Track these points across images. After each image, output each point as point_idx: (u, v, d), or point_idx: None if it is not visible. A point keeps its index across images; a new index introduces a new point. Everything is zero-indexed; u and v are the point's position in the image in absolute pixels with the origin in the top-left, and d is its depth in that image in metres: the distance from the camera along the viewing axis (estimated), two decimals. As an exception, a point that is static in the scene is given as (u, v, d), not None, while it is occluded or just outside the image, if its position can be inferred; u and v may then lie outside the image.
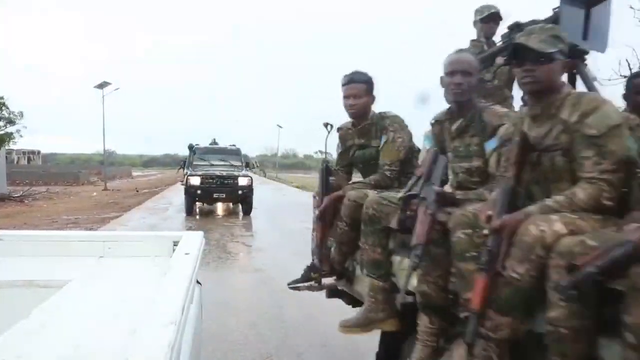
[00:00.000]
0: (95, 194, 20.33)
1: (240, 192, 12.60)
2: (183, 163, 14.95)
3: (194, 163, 13.40)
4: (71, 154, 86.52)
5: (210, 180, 12.47)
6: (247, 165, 14.47)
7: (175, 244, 1.89)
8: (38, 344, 1.02)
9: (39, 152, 54.80)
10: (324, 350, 3.73)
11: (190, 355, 1.27)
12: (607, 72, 11.67)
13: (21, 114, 19.35)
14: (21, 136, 19.80)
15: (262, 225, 11.10)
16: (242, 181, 12.70)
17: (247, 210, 13.12)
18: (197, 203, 13.34)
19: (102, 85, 22.32)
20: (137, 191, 21.56)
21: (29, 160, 50.01)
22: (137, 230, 6.83)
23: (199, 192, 12.32)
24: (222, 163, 13.74)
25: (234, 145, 15.14)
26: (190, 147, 13.84)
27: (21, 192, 18.38)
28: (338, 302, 4.99)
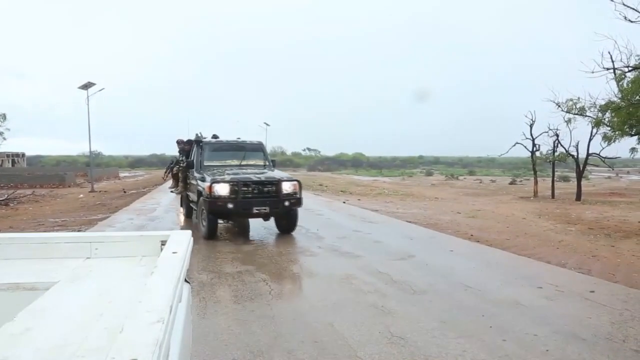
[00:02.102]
0: (82, 195, 20.11)
1: (287, 202, 8.86)
2: (172, 162, 12.17)
3: (205, 163, 9.94)
4: (57, 156, 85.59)
5: (246, 189, 8.63)
6: (274, 165, 11.00)
7: (163, 243, 1.88)
8: (23, 346, 1.01)
9: (23, 155, 54.09)
10: (315, 346, 3.75)
11: (179, 354, 1.27)
12: (590, 64, 11.87)
13: (4, 117, 19.12)
14: (4, 139, 19.56)
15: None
16: (287, 187, 8.98)
17: (290, 227, 9.46)
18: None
19: (86, 86, 22.04)
20: (125, 192, 21.37)
21: (13, 163, 49.34)
22: (125, 231, 6.78)
23: (230, 206, 8.40)
24: (244, 163, 10.37)
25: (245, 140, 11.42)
26: (197, 141, 10.53)
27: (6, 195, 18.11)
28: (329, 299, 5.01)
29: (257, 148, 11.05)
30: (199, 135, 10.92)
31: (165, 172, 18.81)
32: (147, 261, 1.81)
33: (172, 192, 12.68)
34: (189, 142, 11.36)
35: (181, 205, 12.39)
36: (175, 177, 11.81)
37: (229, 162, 10.28)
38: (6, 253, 1.88)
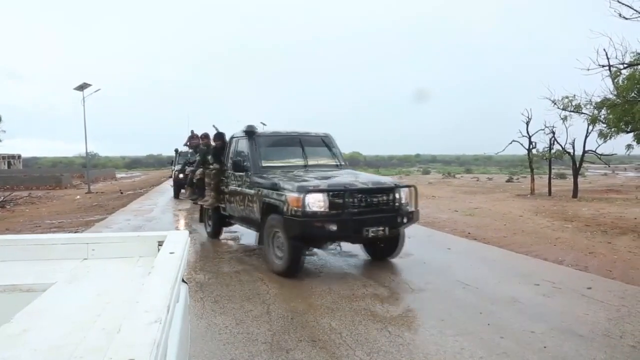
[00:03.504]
0: (78, 197, 20.05)
1: (405, 218, 6.26)
2: (187, 163, 10.53)
3: (264, 164, 7.10)
4: (53, 157, 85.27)
5: (353, 201, 5.83)
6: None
7: (160, 243, 1.88)
8: (20, 347, 1.01)
9: (19, 157, 53.93)
10: (313, 345, 3.75)
11: (177, 354, 1.27)
12: (586, 61, 11.92)
13: (-1, 118, 18.98)
14: (0, 140, 19.42)
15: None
16: (404, 196, 6.38)
17: (393, 250, 6.74)
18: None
19: (82, 87, 21.93)
20: (122, 193, 21.32)
21: (9, 164, 49.18)
22: (122, 232, 6.76)
23: (332, 228, 5.59)
24: (312, 163, 7.46)
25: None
26: (249, 132, 7.42)
27: (2, 197, 18.03)
28: (324, 298, 5.01)
29: (325, 142, 8.01)
30: (216, 128, 8.68)
31: (175, 177, 17.66)
32: (145, 262, 1.81)
33: (196, 203, 9.25)
34: (219, 136, 8.43)
35: (202, 221, 9.29)
36: (199, 184, 8.75)
37: (292, 161, 7.37)
38: (3, 255, 1.87)
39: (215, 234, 8.66)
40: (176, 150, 18.79)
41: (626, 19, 10.29)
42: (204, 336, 3.94)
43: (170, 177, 20.44)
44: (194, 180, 8.96)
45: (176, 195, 17.25)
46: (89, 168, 28.42)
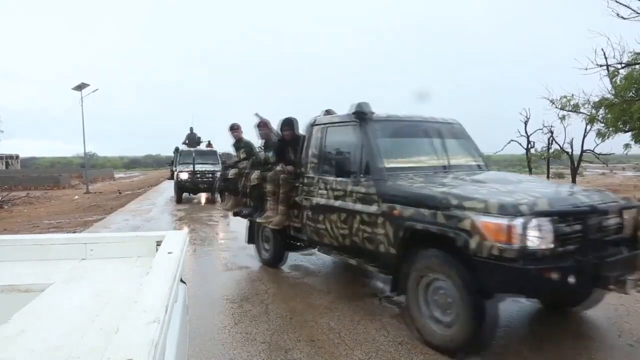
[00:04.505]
0: (76, 197, 20.02)
1: None
2: (228, 165, 7.71)
3: (385, 164, 4.58)
4: (51, 158, 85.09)
5: (591, 230, 3.40)
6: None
7: (159, 243, 1.88)
8: (18, 348, 1.01)
9: (17, 157, 53.77)
10: (311, 345, 3.75)
11: (175, 354, 1.27)
12: (584, 61, 11.92)
13: (-4, 118, 18.95)
14: (-2, 140, 19.40)
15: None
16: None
17: (584, 297, 4.30)
18: None
19: (80, 87, 21.89)
20: (120, 193, 21.29)
21: (7, 165, 49.07)
22: (120, 232, 6.74)
23: (571, 280, 3.17)
24: (453, 163, 5.18)
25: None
26: (360, 113, 4.85)
27: (0, 197, 18.01)
28: (323, 297, 5.01)
29: (458, 133, 5.57)
30: (259, 116, 6.85)
31: (177, 178, 16.16)
32: (143, 262, 1.81)
33: (251, 220, 6.72)
34: (289, 123, 6.00)
35: (251, 242, 6.92)
36: (252, 193, 6.44)
37: (425, 160, 4.99)
38: (1, 255, 1.87)
39: (276, 261, 6.32)
40: (177, 149, 17.51)
41: (624, 18, 10.31)
42: (203, 336, 3.94)
43: (170, 177, 18.83)
44: (246, 186, 6.57)
45: (179, 199, 15.95)
46: (87, 168, 28.38)
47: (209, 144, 18.15)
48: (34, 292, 1.44)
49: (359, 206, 4.51)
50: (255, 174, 6.31)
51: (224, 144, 19.04)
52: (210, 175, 15.56)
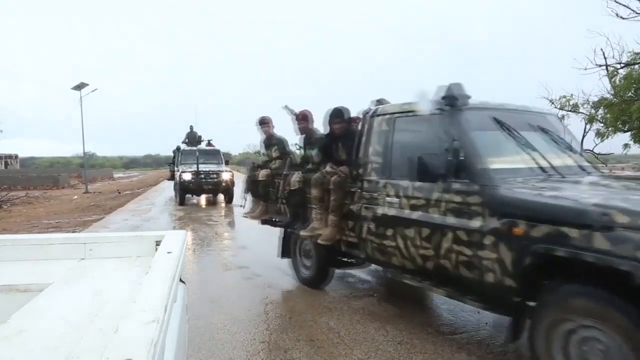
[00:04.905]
0: (76, 197, 20.00)
1: None
2: (253, 167, 6.57)
3: (486, 165, 3.39)
4: (50, 157, 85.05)
5: None
6: None
7: (158, 243, 1.88)
8: (17, 348, 1.01)
9: (16, 156, 53.73)
10: (311, 344, 3.75)
11: (175, 354, 1.27)
12: (583, 61, 11.93)
13: (-5, 118, 18.90)
14: (-3, 140, 19.37)
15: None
16: None
17: None
18: None
19: (79, 87, 21.88)
20: (119, 193, 21.29)
21: (6, 164, 49.05)
22: (119, 232, 6.71)
23: None
24: (561, 164, 3.86)
25: None
26: (453, 100, 3.61)
27: (-1, 197, 17.99)
28: (322, 297, 5.02)
29: (556, 126, 4.43)
30: (289, 109, 5.97)
31: (178, 178, 15.21)
32: (142, 261, 1.81)
33: (293, 232, 5.39)
34: (339, 114, 4.99)
35: (286, 256, 5.80)
36: (292, 199, 5.33)
37: (528, 160, 3.62)
38: (0, 255, 1.87)
39: (319, 280, 5.27)
40: (178, 148, 16.94)
41: (623, 18, 10.32)
42: (202, 336, 3.94)
43: (170, 178, 18.33)
44: (284, 191, 5.43)
45: (182, 201, 14.91)
46: (87, 168, 28.36)
47: (209, 143, 17.80)
48: (33, 292, 1.44)
49: (451, 220, 3.44)
50: (296, 177, 5.20)
51: (224, 144, 18.95)
52: (214, 176, 14.81)
